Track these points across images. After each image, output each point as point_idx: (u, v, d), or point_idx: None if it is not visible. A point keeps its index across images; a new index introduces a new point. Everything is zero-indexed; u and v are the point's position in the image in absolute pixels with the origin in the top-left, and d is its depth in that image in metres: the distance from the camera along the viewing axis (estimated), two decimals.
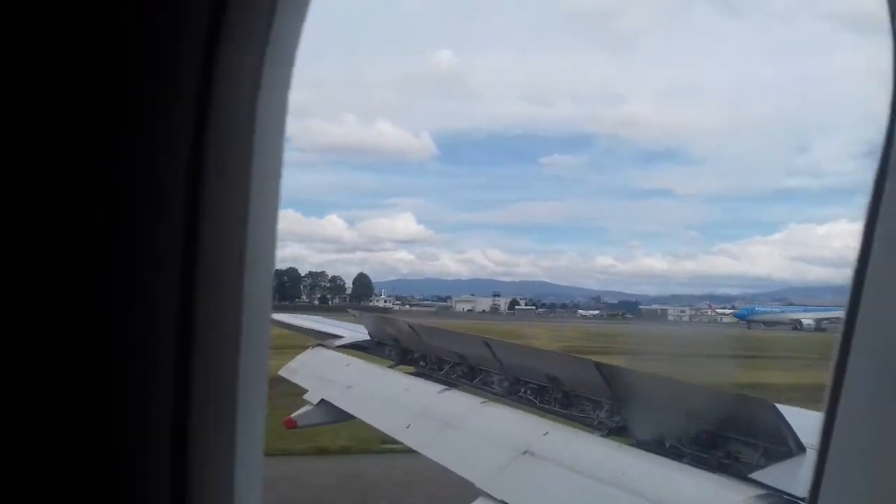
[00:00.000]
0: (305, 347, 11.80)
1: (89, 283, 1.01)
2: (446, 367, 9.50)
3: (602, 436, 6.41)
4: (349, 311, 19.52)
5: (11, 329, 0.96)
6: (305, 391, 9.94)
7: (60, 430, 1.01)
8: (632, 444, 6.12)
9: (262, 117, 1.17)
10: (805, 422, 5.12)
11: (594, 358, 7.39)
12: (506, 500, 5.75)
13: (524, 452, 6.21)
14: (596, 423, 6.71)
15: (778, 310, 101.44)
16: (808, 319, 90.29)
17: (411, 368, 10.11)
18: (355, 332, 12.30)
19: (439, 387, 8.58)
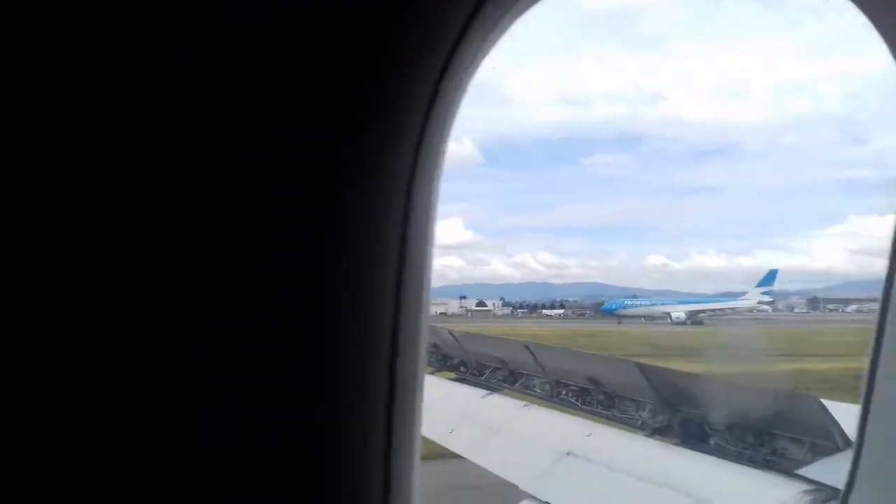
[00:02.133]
0: None
1: (306, 296, 1.10)
2: (487, 372, 9.54)
3: (646, 436, 6.40)
4: None
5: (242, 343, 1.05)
6: None
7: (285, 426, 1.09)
8: (676, 444, 6.10)
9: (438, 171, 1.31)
10: (853, 417, 5.05)
11: None
12: (551, 502, 5.77)
13: (568, 454, 6.23)
14: (639, 423, 6.70)
15: (648, 302, 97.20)
16: (678, 312, 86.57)
17: (452, 374, 10.17)
18: None
19: (481, 391, 8.63)
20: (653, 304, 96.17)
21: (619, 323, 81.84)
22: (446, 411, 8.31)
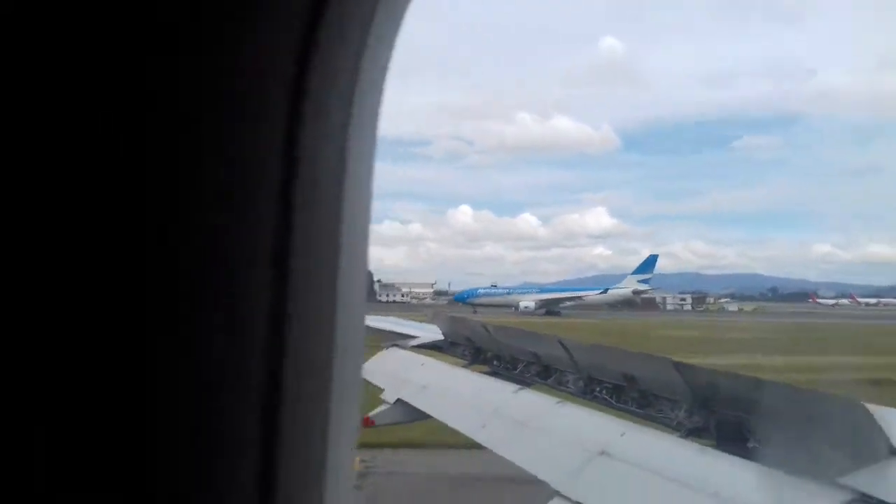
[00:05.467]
0: (380, 348, 11.97)
1: (183, 283, 1.03)
2: (520, 367, 9.48)
3: (681, 437, 6.28)
4: (424, 312, 19.77)
5: (108, 329, 0.99)
6: (382, 390, 10.09)
7: (149, 428, 1.02)
8: (713, 446, 5.98)
9: (357, 115, 1.20)
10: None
11: None
12: (581, 501, 5.70)
13: (601, 453, 6.14)
14: (674, 423, 6.58)
15: (504, 291, 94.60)
16: (526, 302, 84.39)
17: (485, 368, 10.14)
18: (429, 331, 12.43)
19: (514, 386, 8.57)
20: (509, 293, 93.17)
21: (475, 312, 79.22)
22: (478, 406, 8.28)
